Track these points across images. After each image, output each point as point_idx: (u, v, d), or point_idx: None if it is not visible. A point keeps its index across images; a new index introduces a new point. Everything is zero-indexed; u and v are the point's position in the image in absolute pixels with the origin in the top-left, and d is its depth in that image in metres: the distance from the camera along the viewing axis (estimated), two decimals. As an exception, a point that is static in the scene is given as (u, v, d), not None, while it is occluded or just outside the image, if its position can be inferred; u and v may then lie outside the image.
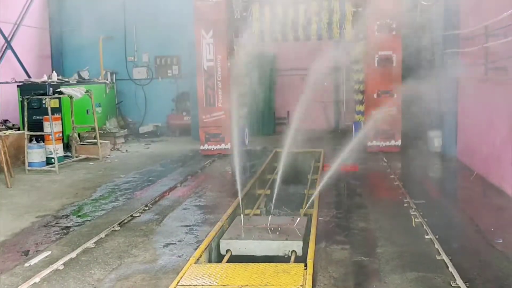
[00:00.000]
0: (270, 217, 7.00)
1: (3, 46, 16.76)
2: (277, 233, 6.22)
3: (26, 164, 11.93)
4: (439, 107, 13.20)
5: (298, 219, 6.65)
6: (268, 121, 17.91)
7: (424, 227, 6.82)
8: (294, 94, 17.97)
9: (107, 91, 17.61)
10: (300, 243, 5.90)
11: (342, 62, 17.95)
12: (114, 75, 18.70)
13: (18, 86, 15.03)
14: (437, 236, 6.36)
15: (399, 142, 13.18)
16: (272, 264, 5.52)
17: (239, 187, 7.66)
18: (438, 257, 5.77)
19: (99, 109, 15.93)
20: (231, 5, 13.75)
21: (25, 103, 12.12)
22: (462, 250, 6.05)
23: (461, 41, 11.40)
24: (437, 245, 6.07)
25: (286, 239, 5.99)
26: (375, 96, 13.21)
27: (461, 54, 11.42)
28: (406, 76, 13.33)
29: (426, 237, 6.49)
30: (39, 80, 14.64)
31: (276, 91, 18.20)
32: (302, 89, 17.51)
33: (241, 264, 5.59)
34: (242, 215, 6.91)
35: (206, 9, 13.40)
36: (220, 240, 6.07)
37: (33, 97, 12.72)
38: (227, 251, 5.98)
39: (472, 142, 10.93)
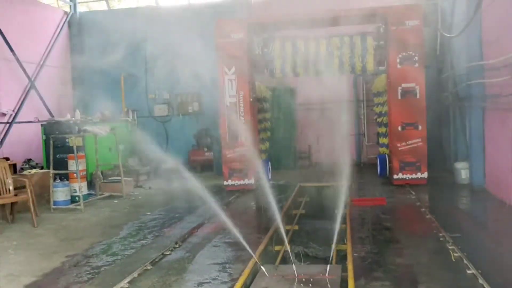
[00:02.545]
0: (301, 265, 6.71)
1: (27, 86, 17.02)
2: (309, 285, 5.89)
3: (51, 202, 11.93)
4: (465, 139, 13.08)
5: (332, 268, 6.27)
6: (290, 155, 17.83)
7: (465, 261, 6.62)
8: (315, 128, 18.04)
9: (129, 129, 17.71)
10: None
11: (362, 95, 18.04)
12: (135, 113, 18.85)
13: (42, 125, 15.18)
14: (479, 271, 6.16)
15: (425, 175, 12.98)
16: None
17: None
18: (485, 293, 5.58)
19: (121, 147, 15.97)
20: (252, 42, 13.87)
21: (51, 142, 12.17)
22: (508, 285, 5.84)
23: (486, 71, 11.33)
24: (481, 280, 5.87)
25: None
26: (399, 128, 13.09)
27: (486, 85, 11.34)
28: (431, 107, 13.28)
29: (468, 272, 6.29)
30: (63, 119, 14.77)
31: (297, 125, 18.19)
32: (323, 123, 17.67)
33: (281, 304, 5.43)
34: (266, 265, 6.53)
35: (228, 46, 13.53)
36: None
37: (58, 135, 12.79)
38: None
39: (502, 173, 10.72)
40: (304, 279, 6.06)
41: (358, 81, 18.15)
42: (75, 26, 19.56)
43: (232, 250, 8.06)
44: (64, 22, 19.16)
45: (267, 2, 19.15)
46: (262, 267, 6.43)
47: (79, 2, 20.05)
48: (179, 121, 18.98)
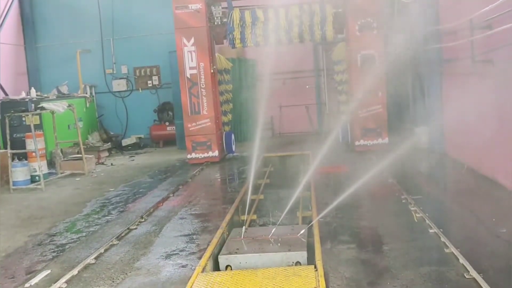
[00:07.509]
0: (269, 227, 6.88)
1: (-22, 64, 16.40)
2: (279, 244, 6.10)
3: (11, 183, 11.63)
4: (424, 104, 13.30)
5: (299, 228, 6.56)
6: (252, 126, 17.77)
7: (427, 221, 6.80)
8: (276, 98, 18.02)
9: (87, 105, 17.36)
10: (304, 253, 5.78)
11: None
12: (93, 89, 18.46)
13: (-4, 104, 14.71)
14: (441, 230, 6.34)
15: (386, 140, 13.21)
16: (281, 268, 5.44)
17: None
18: (447, 250, 5.73)
19: (80, 124, 15.63)
20: (211, 12, 13.67)
21: (7, 121, 11.80)
22: (468, 242, 6.01)
23: (443, 36, 11.47)
24: (443, 238, 6.04)
25: (289, 250, 5.87)
26: (359, 96, 13.19)
27: (444, 49, 11.50)
28: (390, 73, 13.41)
29: (431, 231, 6.47)
30: (18, 97, 14.33)
31: (258, 96, 18.11)
32: (284, 93, 17.68)
33: (249, 270, 5.49)
34: (243, 227, 6.78)
35: (186, 17, 13.29)
36: (219, 256, 5.90)
37: (14, 114, 12.41)
38: (227, 267, 5.82)
39: (461, 136, 10.97)
40: (273, 239, 6.24)
41: (318, 50, 18.17)
42: (27, 1, 18.83)
43: (199, 222, 8.06)
44: (14, -3, 18.42)
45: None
46: (232, 231, 6.61)
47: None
48: (139, 96, 18.68)
